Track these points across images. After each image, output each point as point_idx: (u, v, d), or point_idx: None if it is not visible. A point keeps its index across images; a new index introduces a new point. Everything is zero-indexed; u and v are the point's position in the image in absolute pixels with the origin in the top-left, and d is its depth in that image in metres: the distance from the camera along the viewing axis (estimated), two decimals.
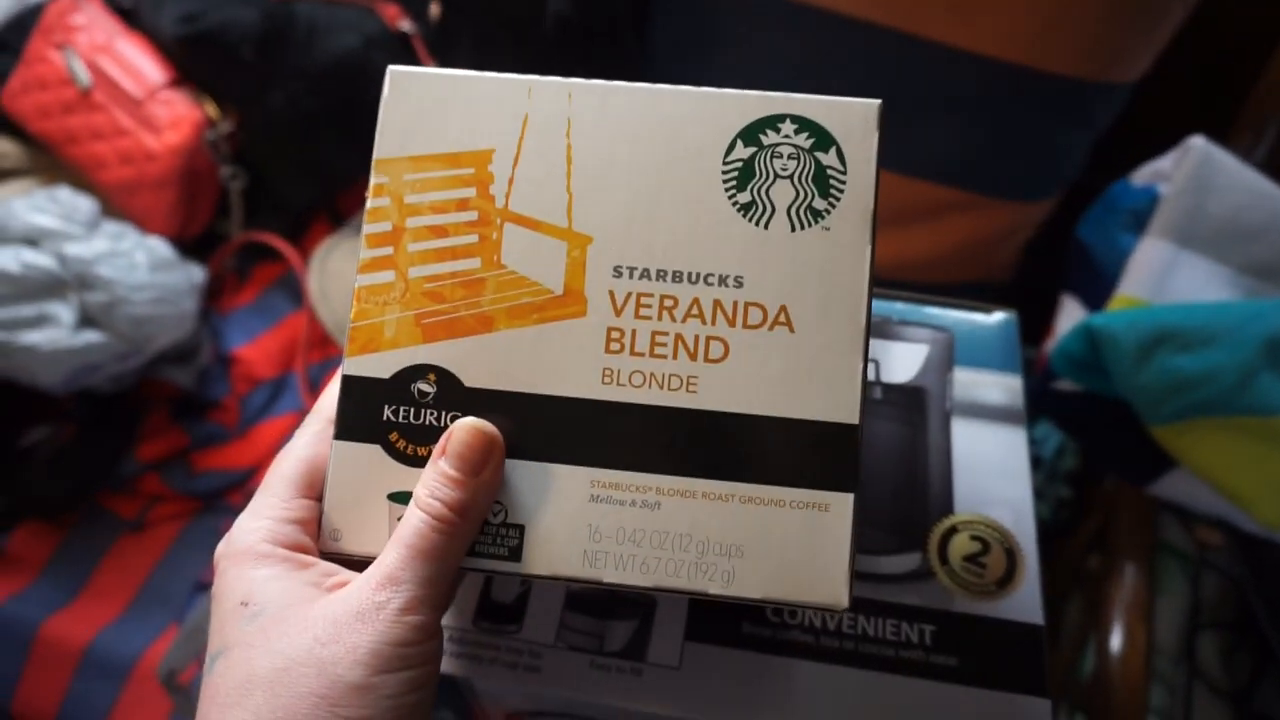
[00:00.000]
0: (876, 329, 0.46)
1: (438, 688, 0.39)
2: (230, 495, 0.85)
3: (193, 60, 0.90)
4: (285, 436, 0.87)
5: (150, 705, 0.72)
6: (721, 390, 0.32)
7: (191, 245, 0.95)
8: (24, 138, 0.96)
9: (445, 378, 0.32)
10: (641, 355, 0.32)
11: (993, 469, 0.43)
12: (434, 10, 0.91)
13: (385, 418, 0.32)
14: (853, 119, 0.33)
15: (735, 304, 0.32)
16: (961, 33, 0.74)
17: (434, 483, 0.30)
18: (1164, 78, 0.83)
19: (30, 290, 0.78)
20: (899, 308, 0.47)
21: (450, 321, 0.33)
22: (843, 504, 0.31)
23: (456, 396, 0.32)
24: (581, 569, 0.31)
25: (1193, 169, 0.71)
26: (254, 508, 0.32)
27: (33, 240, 0.80)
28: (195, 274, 0.89)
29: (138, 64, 0.90)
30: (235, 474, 0.86)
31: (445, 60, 0.92)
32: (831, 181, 0.32)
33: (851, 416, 0.31)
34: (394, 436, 0.32)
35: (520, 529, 0.31)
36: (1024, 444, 0.43)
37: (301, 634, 0.28)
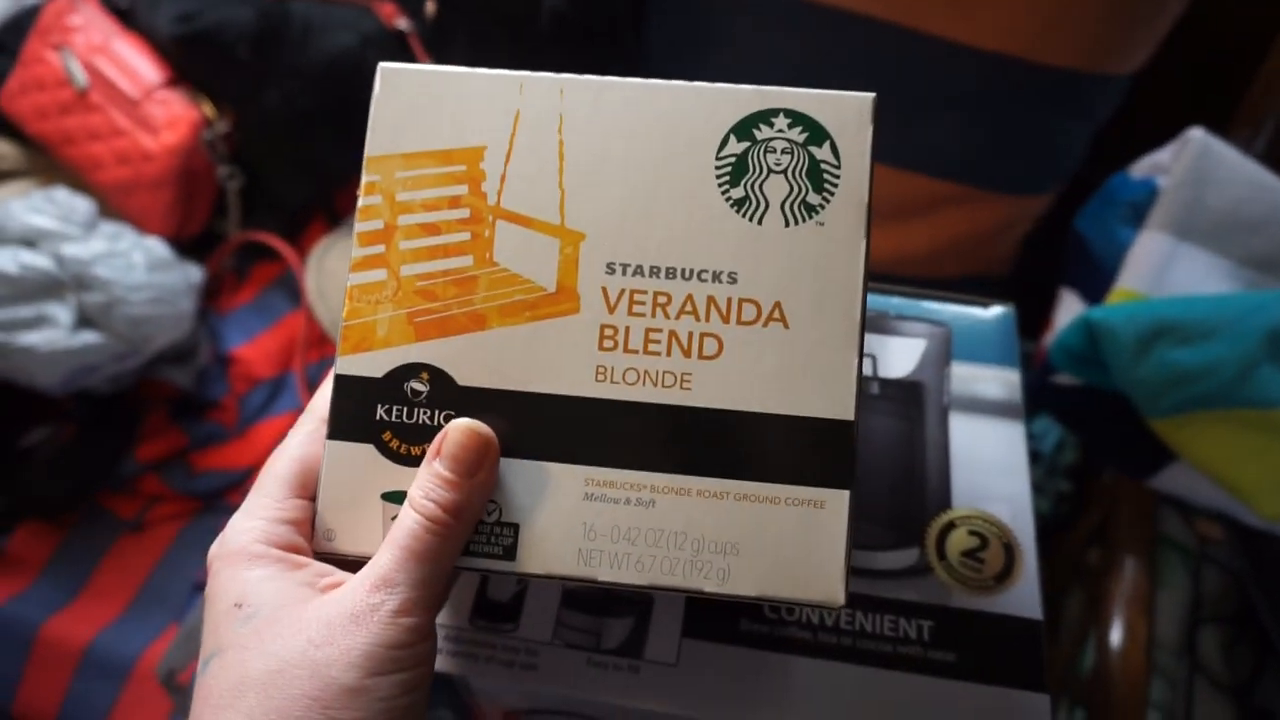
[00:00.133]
0: (874, 324, 0.45)
1: (432, 688, 0.39)
2: (230, 495, 0.85)
3: (189, 60, 0.90)
4: (284, 436, 0.86)
5: (150, 705, 0.72)
6: (716, 387, 0.31)
7: (189, 245, 0.95)
8: (21, 139, 0.96)
9: (438, 376, 0.32)
10: (635, 352, 0.32)
11: (991, 464, 0.43)
12: (430, 8, 0.90)
13: (378, 417, 0.32)
14: (846, 113, 0.33)
15: (729, 300, 0.32)
16: (961, 27, 0.74)
17: (428, 484, 0.30)
18: (1162, 70, 0.83)
19: (28, 291, 0.77)
20: (896, 302, 0.47)
21: (443, 320, 0.32)
22: (838, 501, 0.31)
23: (450, 395, 0.32)
24: (576, 568, 0.31)
25: (1192, 161, 0.71)
26: (247, 508, 0.32)
27: (30, 241, 0.80)
28: (193, 274, 0.89)
29: (134, 64, 0.90)
30: (234, 474, 0.86)
31: (441, 58, 0.92)
32: (825, 176, 0.32)
33: (847, 413, 0.31)
34: (387, 436, 0.32)
35: (515, 528, 0.31)
36: (1022, 439, 0.43)
37: (295, 636, 0.28)
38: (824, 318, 0.31)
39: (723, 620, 0.39)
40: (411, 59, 0.93)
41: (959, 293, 0.47)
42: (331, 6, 0.92)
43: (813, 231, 0.32)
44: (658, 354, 0.32)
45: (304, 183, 0.96)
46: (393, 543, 0.30)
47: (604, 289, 0.32)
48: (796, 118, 0.33)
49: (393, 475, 0.32)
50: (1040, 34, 0.74)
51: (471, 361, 0.32)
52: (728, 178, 0.32)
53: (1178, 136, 0.73)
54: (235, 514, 0.32)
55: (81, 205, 0.84)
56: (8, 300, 0.77)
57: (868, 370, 0.44)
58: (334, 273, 0.92)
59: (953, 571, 0.40)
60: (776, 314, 0.32)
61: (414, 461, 0.32)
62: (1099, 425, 0.76)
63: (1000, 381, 0.45)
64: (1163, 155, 0.75)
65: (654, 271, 0.32)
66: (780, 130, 0.33)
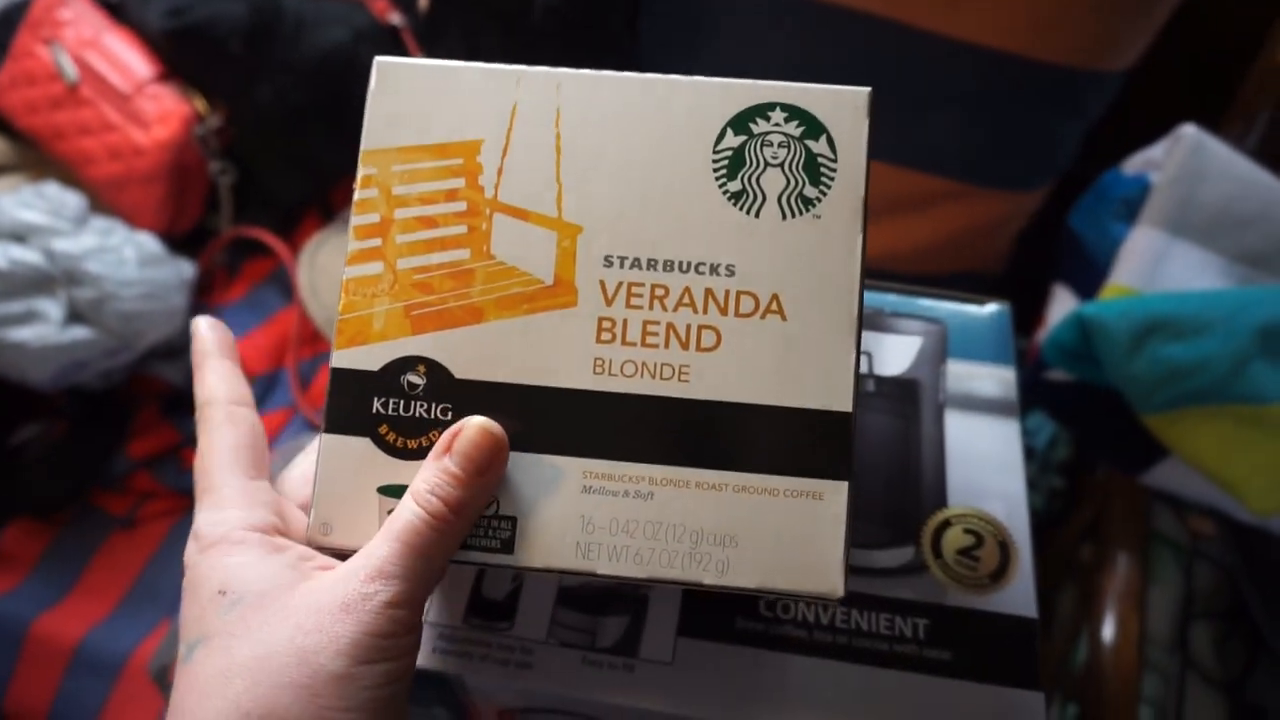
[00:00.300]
0: (869, 321, 0.45)
1: (426, 686, 0.39)
2: None
3: (180, 54, 0.89)
4: (277, 432, 0.86)
5: (141, 702, 0.72)
6: (714, 379, 0.31)
7: (181, 240, 0.94)
8: (11, 134, 0.96)
9: (435, 369, 0.32)
10: (633, 345, 0.32)
11: (986, 462, 0.43)
12: (422, 3, 0.90)
13: (375, 410, 0.32)
14: (843, 106, 0.32)
15: (727, 293, 0.32)
16: (957, 23, 0.74)
17: (436, 479, 0.30)
18: (1155, 66, 0.83)
19: (18, 286, 0.77)
20: (891, 300, 0.47)
21: (440, 313, 0.32)
22: (837, 492, 0.31)
23: (447, 388, 0.32)
24: (575, 560, 0.31)
25: (1184, 157, 0.71)
26: (214, 503, 0.32)
27: (20, 236, 0.79)
28: (185, 269, 0.89)
29: (125, 59, 0.89)
30: None
31: (434, 53, 0.91)
32: (822, 169, 0.32)
33: (845, 404, 0.31)
34: (384, 429, 0.32)
35: (512, 521, 0.31)
36: (1017, 436, 0.43)
37: (283, 622, 0.28)
38: (821, 310, 0.31)
39: (718, 618, 0.39)
40: (404, 54, 0.93)
41: (953, 289, 0.47)
42: (324, 1, 0.92)
43: (810, 224, 0.32)
44: (656, 346, 0.32)
45: (297, 178, 0.96)
46: (391, 535, 0.29)
47: (601, 282, 0.32)
48: (793, 112, 0.33)
49: (389, 468, 0.32)
50: (1036, 31, 0.74)
51: (469, 354, 0.32)
52: (725, 171, 0.32)
53: (1170, 133, 0.74)
54: (199, 517, 0.32)
55: (72, 200, 0.84)
56: None
57: (863, 368, 0.44)
58: (327, 269, 0.92)
59: (948, 570, 0.40)
60: (774, 306, 0.32)
61: (411, 454, 0.32)
62: (1092, 421, 0.76)
63: (996, 379, 0.45)
64: (1155, 151, 0.75)
65: (651, 264, 0.32)
66: (777, 124, 0.33)
